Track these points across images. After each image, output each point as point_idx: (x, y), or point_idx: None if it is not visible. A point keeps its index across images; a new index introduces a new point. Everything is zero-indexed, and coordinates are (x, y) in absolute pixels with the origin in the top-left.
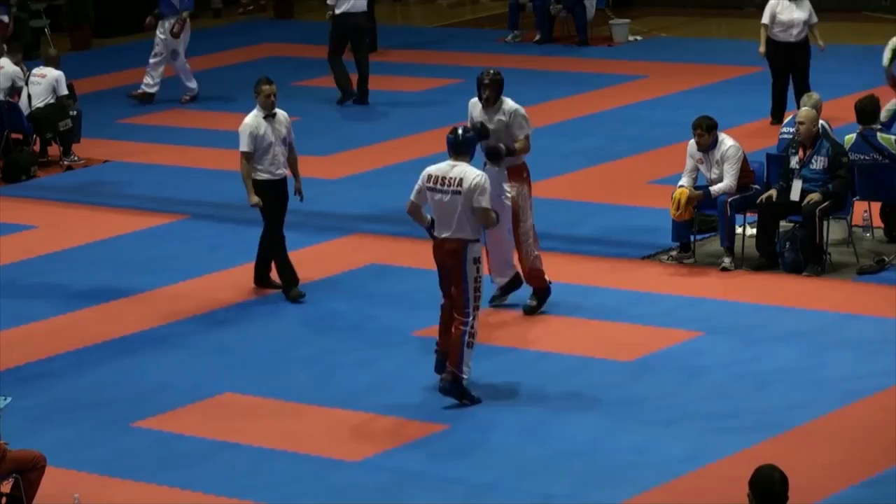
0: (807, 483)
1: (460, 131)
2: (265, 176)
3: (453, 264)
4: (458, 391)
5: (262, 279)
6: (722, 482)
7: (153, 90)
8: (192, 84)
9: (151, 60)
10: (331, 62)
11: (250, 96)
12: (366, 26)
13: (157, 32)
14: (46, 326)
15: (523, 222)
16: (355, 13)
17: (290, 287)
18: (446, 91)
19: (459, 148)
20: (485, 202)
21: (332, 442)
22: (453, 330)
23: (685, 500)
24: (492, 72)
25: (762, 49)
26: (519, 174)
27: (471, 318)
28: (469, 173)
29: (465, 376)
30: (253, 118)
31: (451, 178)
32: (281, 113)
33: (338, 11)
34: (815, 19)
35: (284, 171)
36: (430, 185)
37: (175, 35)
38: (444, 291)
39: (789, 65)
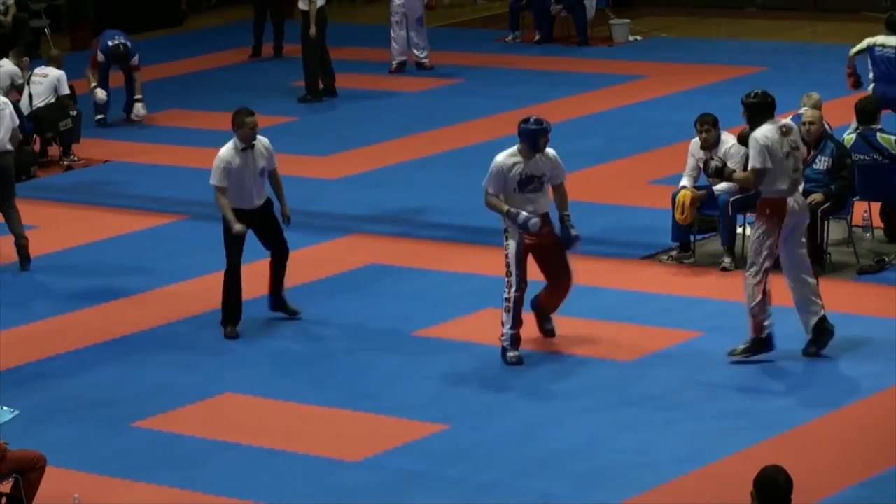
0: (807, 483)
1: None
2: (237, 206)
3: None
4: None
5: (276, 304)
6: (722, 482)
7: (404, 58)
8: (428, 53)
9: (393, 29)
10: (311, 60)
11: (250, 97)
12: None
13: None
14: (46, 326)
15: None
16: (323, 7)
17: (230, 324)
18: (446, 91)
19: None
20: (483, 182)
21: (332, 442)
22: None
23: (685, 500)
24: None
25: None
26: None
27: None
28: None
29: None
30: (227, 151)
31: None
32: (261, 140)
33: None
34: None
35: (260, 202)
36: None
37: (430, 7)
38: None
39: None
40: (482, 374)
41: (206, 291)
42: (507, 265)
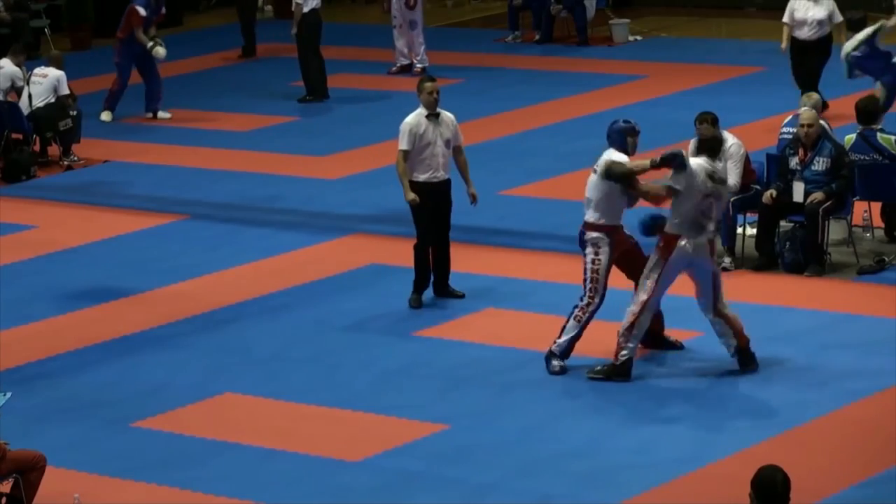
0: (807, 483)
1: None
2: (422, 177)
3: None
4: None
5: (439, 290)
6: (722, 482)
7: (407, 61)
8: (423, 58)
9: (394, 33)
10: (312, 62)
11: (250, 97)
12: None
13: (393, 3)
14: (46, 326)
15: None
16: (318, 9)
17: (417, 294)
18: (446, 91)
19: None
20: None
21: (332, 442)
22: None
23: (685, 500)
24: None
25: (783, 46)
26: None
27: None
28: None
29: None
30: (414, 117)
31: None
32: (446, 114)
33: (307, 9)
34: (838, 19)
35: (445, 175)
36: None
37: (410, 7)
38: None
39: (802, 63)
40: (482, 374)
41: (206, 291)
42: (595, 274)
